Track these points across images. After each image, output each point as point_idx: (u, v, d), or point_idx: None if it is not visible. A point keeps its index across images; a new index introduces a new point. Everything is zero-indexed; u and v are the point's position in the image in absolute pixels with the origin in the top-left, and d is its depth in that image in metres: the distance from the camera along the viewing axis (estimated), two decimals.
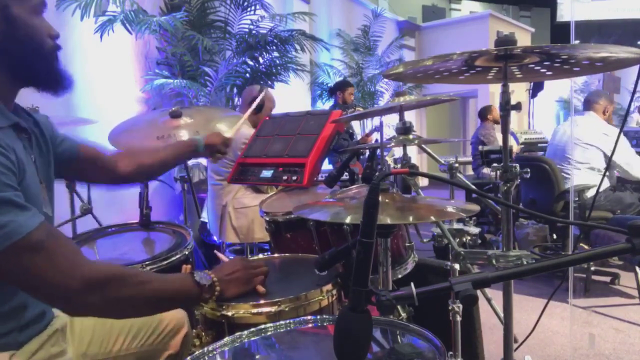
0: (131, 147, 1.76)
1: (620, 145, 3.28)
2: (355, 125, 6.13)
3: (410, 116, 4.02)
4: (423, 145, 1.88)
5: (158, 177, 1.70)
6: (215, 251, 1.59)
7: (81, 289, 0.88)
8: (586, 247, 3.31)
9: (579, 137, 3.38)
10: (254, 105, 1.99)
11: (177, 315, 1.33)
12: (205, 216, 3.21)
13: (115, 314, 1.02)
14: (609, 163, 3.24)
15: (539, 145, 5.63)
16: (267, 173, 1.84)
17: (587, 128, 3.40)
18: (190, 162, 4.02)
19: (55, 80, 1.06)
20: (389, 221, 1.03)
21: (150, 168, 1.51)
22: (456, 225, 1.63)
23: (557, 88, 10.17)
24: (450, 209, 1.16)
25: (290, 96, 5.34)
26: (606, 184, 3.36)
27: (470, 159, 5.79)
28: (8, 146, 0.89)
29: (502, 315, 1.23)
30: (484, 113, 5.64)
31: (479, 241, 1.63)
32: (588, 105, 3.52)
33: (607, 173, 3.33)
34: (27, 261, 0.84)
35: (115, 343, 1.22)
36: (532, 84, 6.18)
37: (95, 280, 0.90)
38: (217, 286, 1.09)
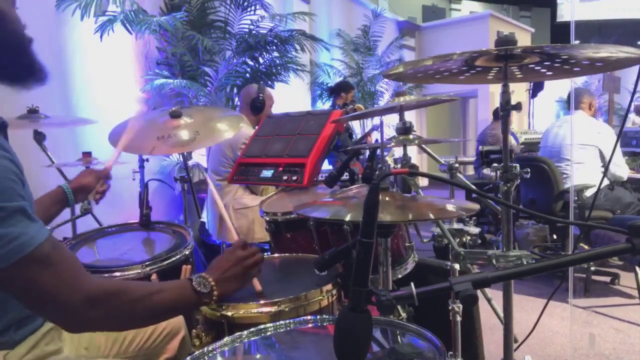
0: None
1: (611, 144, 3.31)
2: (356, 125, 6.13)
3: (410, 116, 4.02)
4: (423, 145, 1.88)
5: None
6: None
7: (84, 303, 0.86)
8: (586, 247, 3.31)
9: (574, 137, 3.40)
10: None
11: (174, 320, 1.33)
12: (205, 216, 3.21)
13: (117, 327, 1.01)
14: (609, 161, 3.24)
15: (539, 145, 5.63)
16: (267, 173, 1.84)
17: (578, 128, 3.41)
18: (190, 162, 4.03)
19: (34, 70, 1.01)
20: (389, 219, 1.03)
21: None
22: (456, 225, 1.64)
23: (557, 88, 10.16)
24: (450, 208, 1.16)
25: (290, 96, 5.34)
26: (604, 182, 3.37)
27: (469, 158, 5.80)
28: (11, 151, 0.86)
29: (502, 315, 1.23)
30: (497, 113, 5.64)
31: (479, 241, 1.63)
32: (574, 104, 3.53)
33: (603, 170, 3.34)
34: (34, 274, 0.82)
35: (113, 347, 1.22)
36: (532, 84, 6.18)
37: (97, 295, 0.88)
38: (216, 290, 1.06)
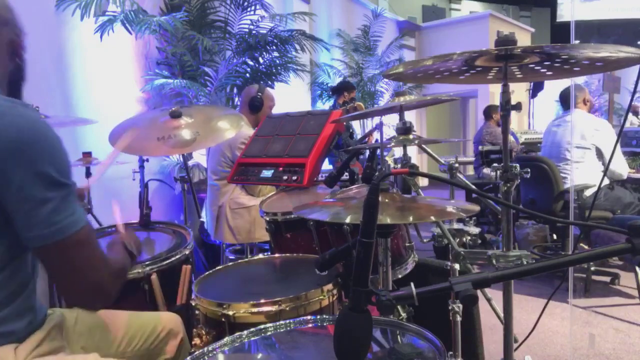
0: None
1: (610, 142, 3.30)
2: (355, 124, 6.13)
3: (410, 116, 4.02)
4: (423, 145, 1.88)
5: None
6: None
7: (108, 279, 0.98)
8: (586, 247, 3.31)
9: (573, 136, 3.39)
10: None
11: (172, 321, 1.34)
12: (204, 216, 3.21)
13: (115, 298, 1.08)
14: (610, 160, 3.24)
15: (539, 145, 5.63)
16: (267, 173, 1.84)
17: (578, 126, 3.40)
18: (190, 162, 4.03)
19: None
20: (389, 221, 1.03)
21: None
22: (456, 225, 1.64)
23: (557, 88, 10.15)
24: (450, 209, 1.16)
25: (290, 96, 5.34)
26: (604, 181, 3.36)
27: (469, 158, 5.79)
28: None
29: (502, 315, 1.23)
30: (488, 112, 5.63)
31: (479, 241, 1.63)
32: (569, 103, 3.53)
33: (606, 167, 3.34)
34: (78, 251, 0.92)
35: (111, 347, 1.22)
36: (532, 84, 6.17)
37: (114, 273, 1.01)
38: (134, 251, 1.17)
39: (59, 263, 0.93)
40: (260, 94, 2.94)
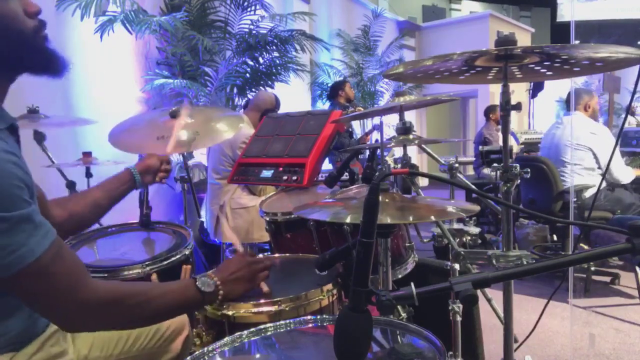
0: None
1: (608, 145, 3.28)
2: (355, 125, 6.13)
3: (410, 116, 4.02)
4: (423, 145, 1.88)
5: (94, 223, 1.49)
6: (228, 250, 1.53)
7: (80, 312, 0.89)
8: (586, 247, 3.31)
9: (569, 138, 3.38)
10: None
11: (177, 319, 1.32)
12: (204, 216, 3.22)
13: (117, 329, 1.04)
14: (609, 163, 3.22)
15: (539, 145, 5.63)
16: (267, 173, 1.84)
17: (575, 129, 3.39)
18: (191, 162, 4.02)
19: (47, 60, 0.98)
20: (389, 221, 1.03)
21: (82, 216, 1.34)
22: (456, 225, 1.64)
23: (557, 88, 10.16)
24: (450, 209, 1.16)
25: (290, 96, 5.34)
26: (603, 183, 3.35)
27: (470, 159, 5.81)
28: (18, 154, 0.85)
29: (502, 315, 1.23)
30: (488, 112, 5.67)
31: (479, 241, 1.63)
32: (574, 105, 3.51)
33: (604, 172, 3.31)
34: (32, 285, 0.83)
35: (116, 346, 1.22)
36: (532, 84, 6.17)
37: (95, 303, 0.90)
38: (221, 289, 1.07)
39: (17, 296, 0.86)
40: (277, 109, 3.02)
